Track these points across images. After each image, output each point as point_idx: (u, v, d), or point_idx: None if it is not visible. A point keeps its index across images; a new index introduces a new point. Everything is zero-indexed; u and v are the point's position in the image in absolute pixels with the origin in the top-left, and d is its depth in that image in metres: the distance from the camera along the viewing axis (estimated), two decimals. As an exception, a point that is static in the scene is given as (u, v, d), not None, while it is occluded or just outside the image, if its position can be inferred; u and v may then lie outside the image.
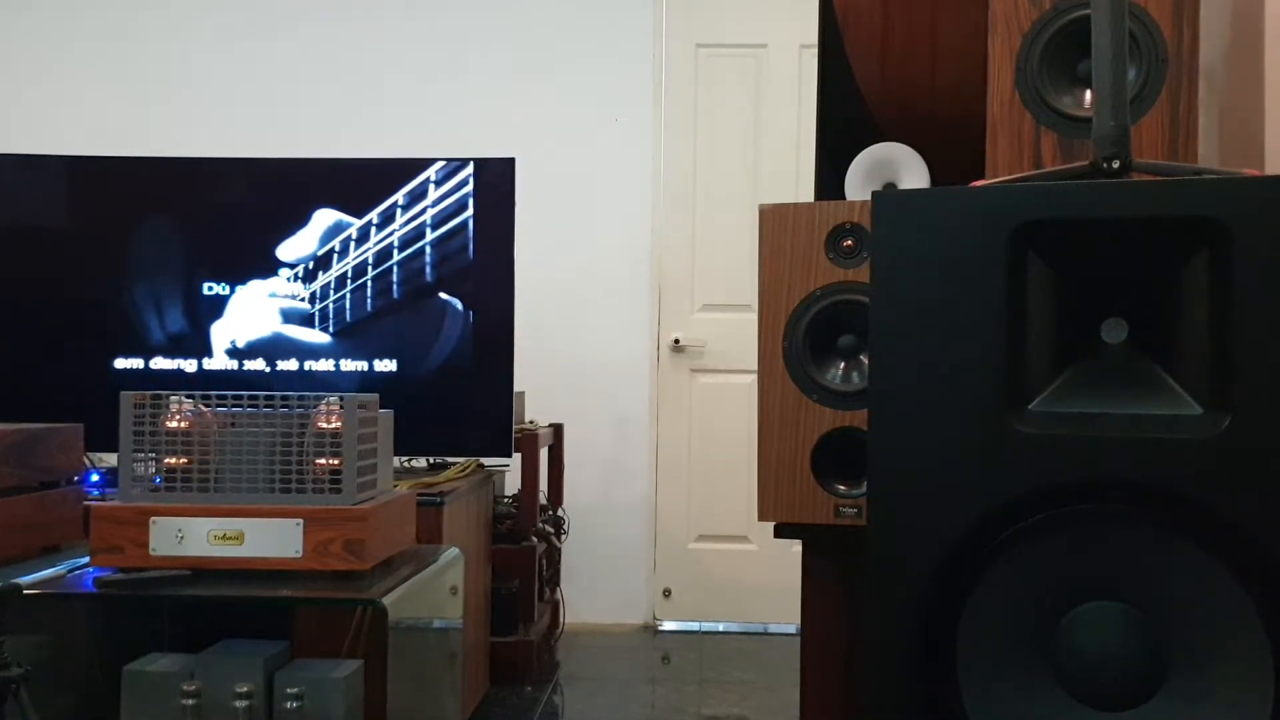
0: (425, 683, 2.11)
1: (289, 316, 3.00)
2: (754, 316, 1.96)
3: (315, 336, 2.99)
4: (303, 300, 3.00)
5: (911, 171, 2.01)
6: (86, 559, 1.86)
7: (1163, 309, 1.28)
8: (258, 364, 2.99)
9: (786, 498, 1.88)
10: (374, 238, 2.99)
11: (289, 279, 3.00)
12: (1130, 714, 1.25)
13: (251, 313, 3.00)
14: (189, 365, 2.99)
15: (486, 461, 3.18)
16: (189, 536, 1.81)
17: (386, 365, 2.98)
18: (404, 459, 3.07)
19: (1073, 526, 1.27)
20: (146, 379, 2.94)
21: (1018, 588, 1.28)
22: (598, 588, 4.24)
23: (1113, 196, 1.29)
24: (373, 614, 2.11)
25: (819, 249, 1.88)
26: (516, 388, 3.06)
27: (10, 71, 4.37)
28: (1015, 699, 1.28)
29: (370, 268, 2.99)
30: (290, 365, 2.99)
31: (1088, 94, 1.75)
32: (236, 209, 3.02)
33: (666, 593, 4.31)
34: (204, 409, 1.87)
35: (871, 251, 1.38)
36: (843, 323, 1.88)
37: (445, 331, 2.98)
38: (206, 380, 2.98)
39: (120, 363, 2.99)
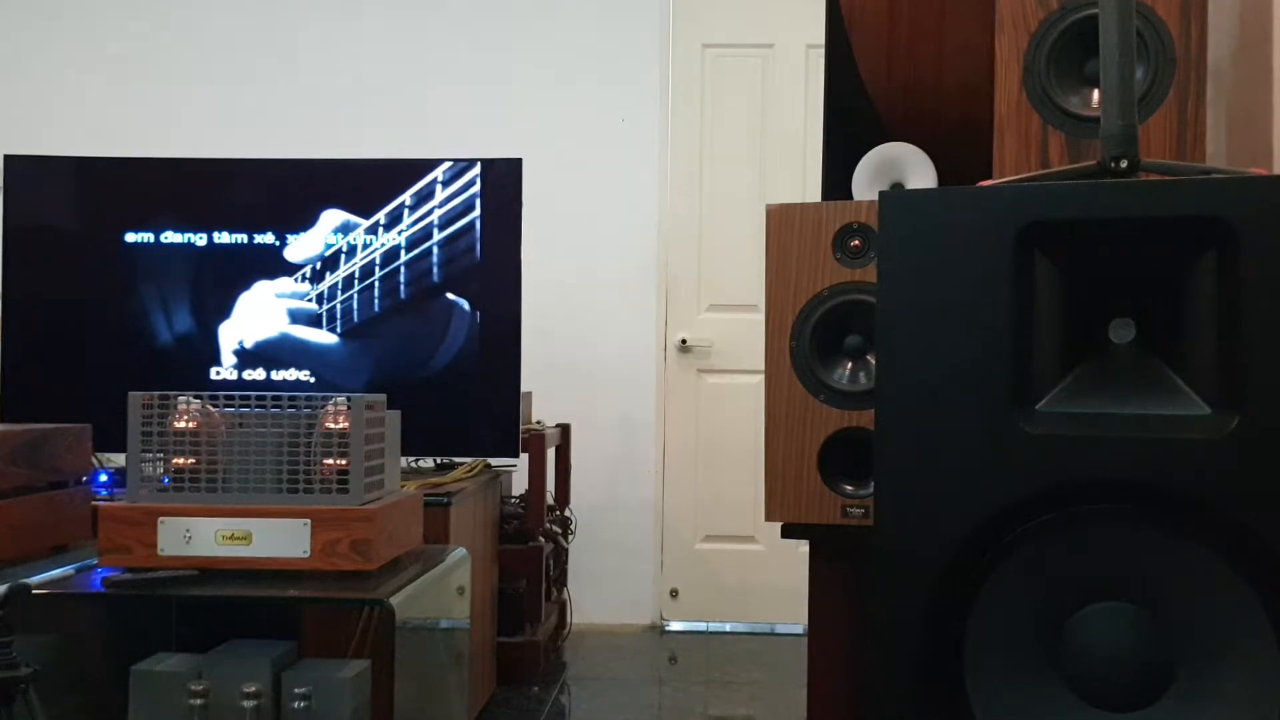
0: (432, 683, 2.12)
1: (296, 317, 3.00)
2: (761, 316, 1.96)
3: (323, 337, 3.00)
4: (310, 300, 3.00)
5: (918, 171, 2.00)
6: (95, 559, 1.86)
7: (1170, 309, 1.28)
8: (265, 364, 3.00)
9: (793, 498, 1.88)
10: (381, 238, 3.00)
11: (296, 279, 3.00)
12: (1138, 715, 1.25)
13: (259, 313, 3.01)
14: (196, 364, 3.00)
15: (493, 462, 3.18)
16: (197, 536, 1.81)
17: (393, 365, 2.98)
18: (411, 459, 3.08)
19: (1080, 527, 1.27)
20: (154, 379, 2.94)
21: (1025, 588, 1.28)
22: (604, 588, 4.24)
23: (1120, 196, 1.28)
24: (380, 614, 2.11)
25: (826, 249, 1.88)
26: (523, 388, 3.06)
27: (21, 72, 4.38)
28: (1023, 699, 1.28)
29: (378, 268, 2.99)
30: (297, 366, 2.99)
31: (1095, 94, 1.75)
32: (244, 209, 3.02)
33: (673, 593, 4.31)
34: (211, 409, 1.87)
35: (878, 251, 1.37)
36: (850, 323, 1.88)
37: (452, 332, 2.98)
38: (214, 380, 2.98)
39: (128, 362, 2.99)
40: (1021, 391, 1.30)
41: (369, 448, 1.86)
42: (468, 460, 3.08)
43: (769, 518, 1.91)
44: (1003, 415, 1.29)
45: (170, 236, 3.02)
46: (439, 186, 3.00)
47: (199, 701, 1.80)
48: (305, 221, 3.01)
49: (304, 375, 2.99)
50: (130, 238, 3.02)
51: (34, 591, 1.68)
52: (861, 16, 2.13)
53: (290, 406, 1.86)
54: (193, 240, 3.02)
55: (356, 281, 3.00)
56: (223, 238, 3.01)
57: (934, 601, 1.30)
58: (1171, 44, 1.73)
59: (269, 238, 3.00)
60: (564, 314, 4.20)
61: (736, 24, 4.33)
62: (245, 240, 3.01)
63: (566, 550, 3.96)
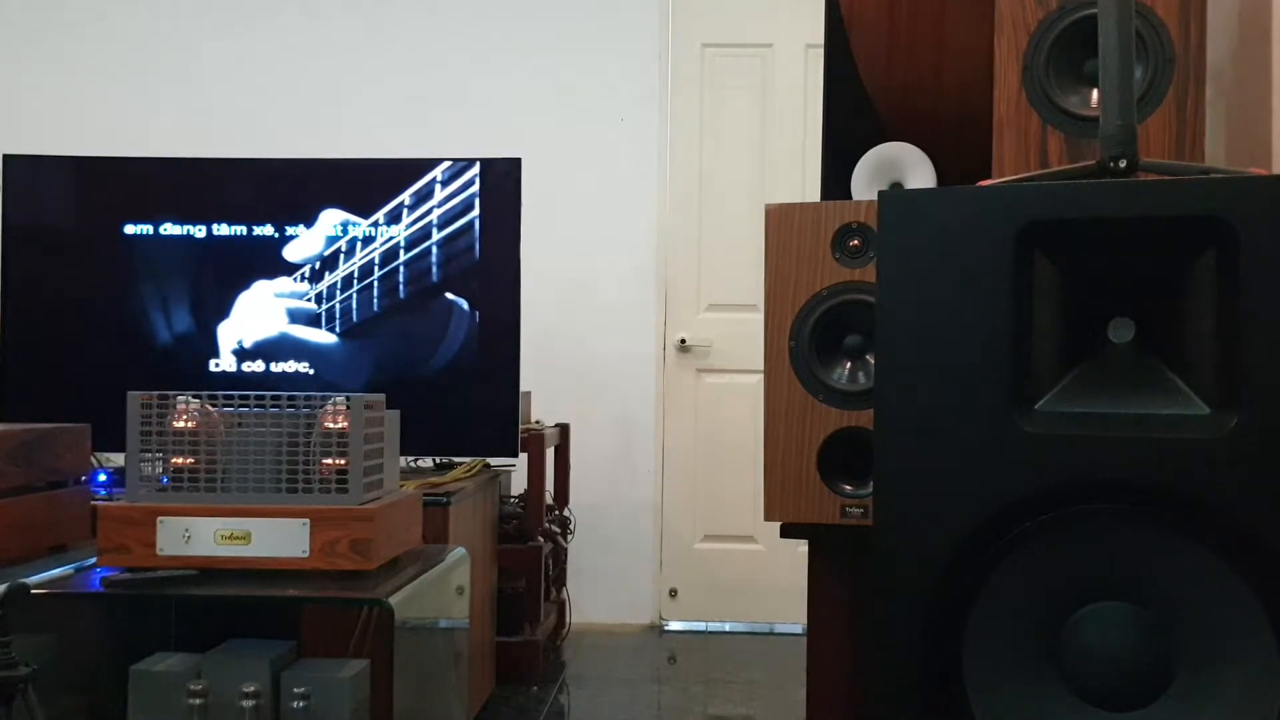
0: (431, 683, 2.12)
1: (295, 316, 3.00)
2: (760, 316, 1.96)
3: (322, 336, 3.00)
4: (309, 300, 3.00)
5: (918, 171, 2.01)
6: (94, 559, 1.86)
7: (1169, 308, 1.28)
8: (264, 364, 3.00)
9: (792, 498, 1.88)
10: (380, 238, 3.00)
11: (296, 279, 3.00)
12: (1137, 714, 1.25)
13: (258, 313, 3.00)
14: (195, 364, 3.00)
15: (493, 461, 3.18)
16: (196, 536, 1.81)
17: (393, 365, 2.98)
18: (410, 459, 3.08)
19: (1079, 526, 1.27)
20: (153, 380, 2.94)
21: (1024, 588, 1.28)
22: (603, 588, 4.24)
23: (1119, 196, 1.28)
24: (379, 614, 2.11)
25: (825, 249, 1.88)
26: (522, 387, 3.06)
27: (20, 71, 4.38)
28: (1022, 699, 1.28)
29: (377, 268, 2.99)
30: (297, 365, 2.99)
31: (1094, 93, 1.75)
32: (244, 209, 3.02)
33: (672, 593, 4.31)
34: (211, 409, 1.87)
35: (878, 251, 1.37)
36: (849, 323, 1.88)
37: (451, 331, 2.98)
38: (213, 380, 2.98)
39: (127, 363, 2.99)
40: (1021, 391, 1.30)
41: (368, 447, 1.86)
42: (467, 460, 3.08)
43: (768, 517, 1.91)
44: (1003, 415, 1.29)
45: (169, 235, 3.02)
46: (438, 186, 2.99)
47: (198, 701, 1.80)
48: (304, 221, 3.00)
49: (303, 367, 2.98)
50: (129, 236, 3.02)
51: (33, 591, 1.68)
52: (861, 16, 2.13)
53: (289, 406, 1.86)
54: (192, 240, 3.02)
55: (356, 281, 3.00)
56: (222, 233, 3.01)
57: (934, 601, 1.30)
58: (1171, 44, 1.73)
59: (269, 234, 3.00)
60: (564, 314, 4.20)
61: (736, 24, 4.33)
62: (244, 239, 3.01)
63: (566, 550, 3.95)
